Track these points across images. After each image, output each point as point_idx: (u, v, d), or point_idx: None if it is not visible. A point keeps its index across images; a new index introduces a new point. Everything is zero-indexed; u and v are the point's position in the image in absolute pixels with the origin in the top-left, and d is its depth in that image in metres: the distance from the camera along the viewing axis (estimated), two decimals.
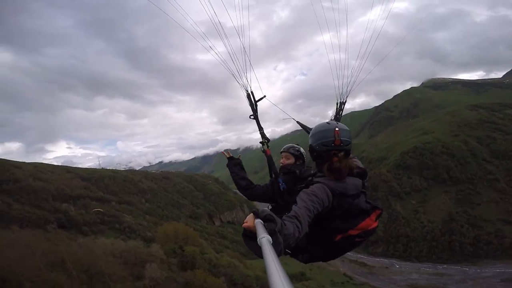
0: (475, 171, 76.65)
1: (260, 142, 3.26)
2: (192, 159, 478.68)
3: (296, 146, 3.29)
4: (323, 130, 2.33)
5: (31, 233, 19.98)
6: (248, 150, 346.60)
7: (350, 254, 68.89)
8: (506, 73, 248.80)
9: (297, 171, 2.96)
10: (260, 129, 3.30)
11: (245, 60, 3.27)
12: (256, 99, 3.35)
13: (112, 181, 59.10)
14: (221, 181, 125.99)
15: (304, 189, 2.08)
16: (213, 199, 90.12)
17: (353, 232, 2.17)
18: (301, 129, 3.46)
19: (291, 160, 3.17)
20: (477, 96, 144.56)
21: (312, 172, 2.64)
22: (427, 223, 69.53)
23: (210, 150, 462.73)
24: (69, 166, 62.93)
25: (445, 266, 59.23)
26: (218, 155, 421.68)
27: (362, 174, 2.36)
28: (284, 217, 1.73)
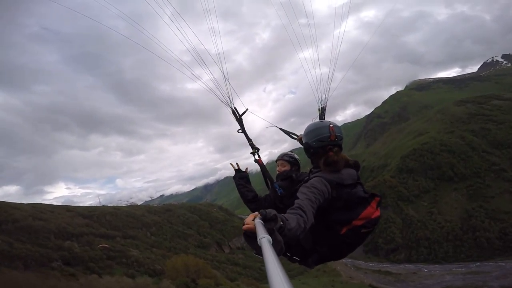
0: (479, 164, 76.43)
1: (251, 153, 3.35)
2: (193, 189, 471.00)
3: (290, 153, 3.41)
4: (318, 127, 2.44)
5: (25, 274, 18.23)
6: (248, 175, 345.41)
7: (371, 265, 66.47)
8: (481, 66, 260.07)
9: (294, 175, 3.04)
10: (249, 140, 3.40)
11: (225, 79, 3.47)
12: (240, 113, 3.53)
13: (114, 217, 57.38)
14: (225, 208, 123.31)
15: (303, 184, 2.15)
16: (219, 227, 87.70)
17: (357, 222, 2.17)
18: (298, 147, 3.50)
19: (287, 167, 3.24)
20: (460, 92, 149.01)
21: (308, 171, 2.72)
22: (445, 223, 67.77)
23: (211, 179, 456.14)
24: (69, 205, 61.10)
25: (478, 263, 56.54)
26: (219, 183, 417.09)
27: (355, 166, 2.44)
28: (288, 210, 1.78)
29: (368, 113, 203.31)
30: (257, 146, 3.44)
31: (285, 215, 1.67)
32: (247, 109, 3.59)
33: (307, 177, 2.38)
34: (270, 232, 1.35)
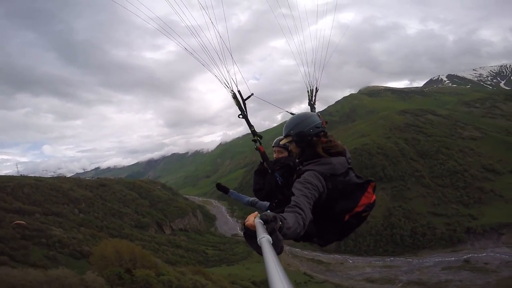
0: (405, 169, 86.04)
1: (253, 140, 3.24)
2: (135, 164, 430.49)
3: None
4: (310, 116, 2.56)
5: None
6: (197, 154, 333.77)
7: (306, 253, 71.39)
8: (426, 82, 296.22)
9: (291, 163, 3.01)
10: (251, 127, 3.30)
11: (224, 54, 3.23)
12: (244, 98, 3.33)
13: (34, 190, 48.93)
14: (168, 187, 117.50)
15: (297, 180, 2.16)
16: (160, 206, 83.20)
17: (358, 209, 2.27)
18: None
19: (285, 154, 3.25)
20: (404, 103, 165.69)
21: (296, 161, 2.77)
22: (370, 218, 72.51)
23: (156, 154, 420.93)
24: None
25: (392, 258, 63.64)
26: (165, 159, 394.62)
27: (343, 151, 2.50)
28: (285, 209, 1.83)
29: (321, 110, 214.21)
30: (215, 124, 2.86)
31: (284, 214, 1.68)
32: (252, 94, 3.35)
33: (298, 168, 2.39)
34: (271, 232, 1.37)
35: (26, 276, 12.54)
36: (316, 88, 3.78)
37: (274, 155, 3.32)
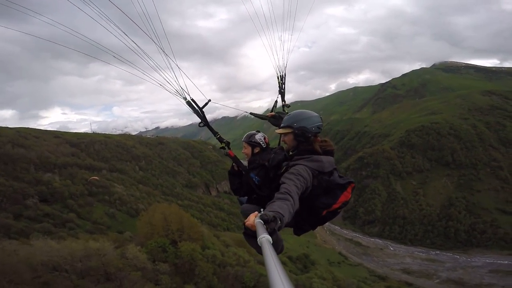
0: (480, 156, 74.88)
1: (220, 148, 3.23)
2: (189, 125, 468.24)
3: (252, 133, 3.22)
4: (315, 116, 2.58)
5: None
6: (246, 118, 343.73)
7: (346, 232, 70.60)
8: None
9: (266, 163, 2.96)
10: (216, 134, 3.26)
11: (170, 62, 3.23)
12: (201, 106, 3.26)
13: (103, 147, 55.45)
14: (218, 149, 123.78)
15: (288, 171, 2.24)
16: (210, 167, 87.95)
17: (336, 206, 2.37)
18: (300, 100, 5.36)
19: (248, 150, 3.20)
20: (489, 83, 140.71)
21: (285, 154, 2.81)
22: (425, 206, 69.11)
23: (208, 117, 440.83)
24: (57, 131, 58.01)
25: (438, 252, 59.61)
26: (216, 122, 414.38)
27: (331, 152, 2.58)
28: (276, 194, 1.87)
29: (383, 82, 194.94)
30: (225, 139, 3.29)
31: (277, 205, 1.70)
32: (209, 100, 3.30)
33: (287, 163, 2.46)
34: (271, 232, 1.37)
35: (64, 249, 12.59)
36: (284, 74, 3.63)
37: (242, 150, 3.26)
